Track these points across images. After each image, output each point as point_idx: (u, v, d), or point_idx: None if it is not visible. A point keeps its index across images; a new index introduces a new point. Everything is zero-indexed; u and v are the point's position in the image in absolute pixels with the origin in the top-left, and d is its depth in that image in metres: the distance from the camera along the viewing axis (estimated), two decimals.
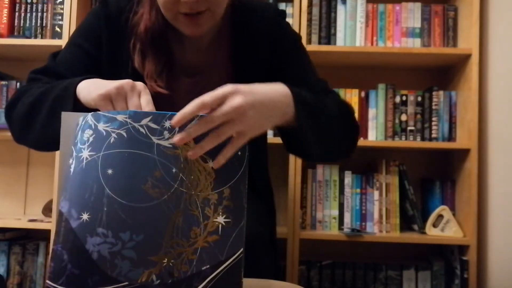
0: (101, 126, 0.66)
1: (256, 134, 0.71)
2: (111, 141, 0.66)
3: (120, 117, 0.67)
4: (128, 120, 0.67)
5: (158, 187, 0.65)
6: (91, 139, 0.66)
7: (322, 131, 0.87)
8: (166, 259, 0.64)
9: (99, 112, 0.68)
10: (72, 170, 0.66)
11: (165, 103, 0.94)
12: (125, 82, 0.75)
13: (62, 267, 0.63)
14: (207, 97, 0.67)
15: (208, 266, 0.66)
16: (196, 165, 0.68)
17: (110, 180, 0.64)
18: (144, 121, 0.67)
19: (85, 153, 0.66)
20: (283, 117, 0.78)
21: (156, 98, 0.94)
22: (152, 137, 0.67)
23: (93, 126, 0.67)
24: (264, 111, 0.72)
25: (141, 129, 0.67)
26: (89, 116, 0.68)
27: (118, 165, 0.65)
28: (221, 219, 0.67)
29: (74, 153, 0.67)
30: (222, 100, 0.67)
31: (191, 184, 0.67)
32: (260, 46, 1.01)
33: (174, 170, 0.67)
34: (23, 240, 1.89)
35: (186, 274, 0.65)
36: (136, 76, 0.96)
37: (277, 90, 0.77)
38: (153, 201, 0.65)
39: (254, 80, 1.00)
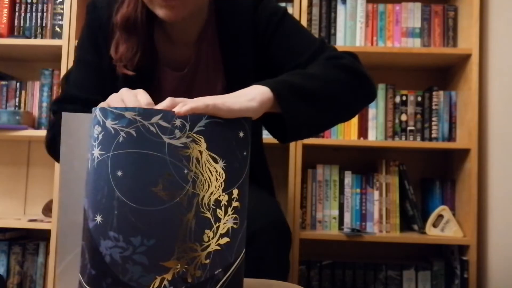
0: (109, 123, 0.63)
1: (228, 106, 0.69)
2: (120, 140, 0.62)
3: (128, 114, 0.63)
4: (138, 118, 0.63)
5: (169, 189, 0.63)
6: (100, 136, 0.63)
7: (320, 101, 0.85)
8: (179, 265, 0.62)
9: (106, 107, 0.64)
10: (89, 166, 0.64)
11: (152, 96, 0.96)
12: (122, 89, 0.76)
13: (85, 264, 0.62)
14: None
15: (220, 269, 0.65)
16: (207, 165, 0.66)
17: (119, 182, 0.62)
18: (155, 119, 0.63)
19: (96, 152, 0.63)
20: (262, 96, 0.76)
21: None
22: (163, 136, 0.63)
23: (101, 123, 0.63)
24: (231, 95, 0.74)
25: (151, 128, 0.63)
26: (97, 111, 0.64)
27: (127, 166, 0.62)
28: (231, 221, 0.66)
29: (90, 149, 0.64)
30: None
31: (203, 186, 0.65)
32: (245, 34, 1.02)
33: (185, 171, 0.64)
34: (23, 240, 1.89)
35: (200, 279, 0.64)
36: (130, 82, 0.98)
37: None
38: (164, 204, 0.63)
39: (243, 70, 1.00)
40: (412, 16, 1.85)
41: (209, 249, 0.64)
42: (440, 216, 1.75)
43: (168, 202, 0.63)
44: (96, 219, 0.62)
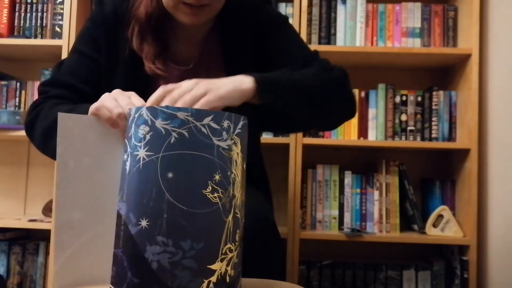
0: (159, 124, 0.61)
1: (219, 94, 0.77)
2: (172, 141, 0.61)
3: (181, 115, 0.61)
4: (191, 119, 0.61)
5: (217, 192, 0.62)
6: (147, 137, 0.61)
7: (298, 101, 0.90)
8: (221, 266, 0.62)
9: (156, 106, 0.63)
10: (128, 168, 0.62)
11: (153, 89, 0.99)
12: (115, 90, 0.77)
13: (123, 273, 0.60)
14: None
15: (240, 266, 0.66)
16: (240, 167, 0.65)
17: (170, 185, 0.60)
18: (206, 120, 0.62)
19: (142, 153, 0.61)
20: (243, 86, 0.82)
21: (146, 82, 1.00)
22: (213, 138, 0.63)
23: (149, 122, 0.61)
24: (218, 81, 0.80)
25: (203, 129, 0.62)
26: (144, 110, 0.62)
27: (179, 168, 0.60)
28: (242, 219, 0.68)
29: (129, 149, 0.62)
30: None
31: (238, 187, 0.65)
32: (246, 35, 1.06)
33: (228, 173, 0.63)
34: (23, 240, 1.89)
35: (233, 278, 0.63)
36: (132, 75, 1.01)
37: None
38: (212, 207, 0.61)
39: (243, 69, 1.04)
40: (412, 16, 1.85)
41: (238, 248, 0.64)
42: (440, 216, 1.75)
43: (215, 204, 0.62)
44: (141, 224, 0.59)
